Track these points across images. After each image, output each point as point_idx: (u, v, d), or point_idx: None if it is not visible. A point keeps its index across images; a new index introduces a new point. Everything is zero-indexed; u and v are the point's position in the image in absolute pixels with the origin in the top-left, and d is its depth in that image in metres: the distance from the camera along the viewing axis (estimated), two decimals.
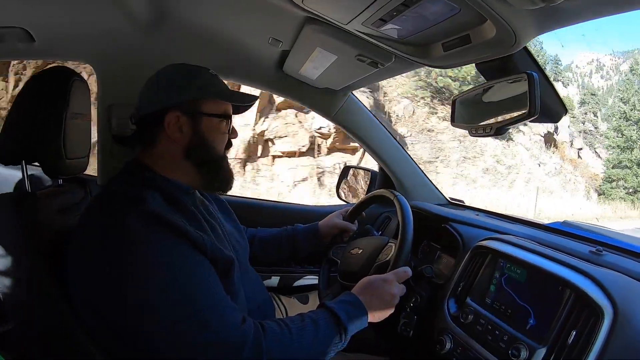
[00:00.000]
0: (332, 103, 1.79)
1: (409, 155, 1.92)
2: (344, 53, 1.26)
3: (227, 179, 1.08)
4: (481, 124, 1.07)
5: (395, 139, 1.90)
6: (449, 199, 1.95)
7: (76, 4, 1.21)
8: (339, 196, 2.14)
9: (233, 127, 1.10)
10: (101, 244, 0.83)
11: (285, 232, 1.50)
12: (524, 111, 0.93)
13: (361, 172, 2.13)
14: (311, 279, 1.86)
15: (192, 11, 1.32)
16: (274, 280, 1.80)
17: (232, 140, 1.10)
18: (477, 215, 1.59)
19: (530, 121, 0.97)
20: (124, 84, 1.53)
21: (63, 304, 0.91)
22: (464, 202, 1.95)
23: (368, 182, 2.04)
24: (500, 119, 1.02)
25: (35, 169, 1.12)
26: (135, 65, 1.48)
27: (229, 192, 1.12)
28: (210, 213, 1.11)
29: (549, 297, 0.97)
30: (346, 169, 2.17)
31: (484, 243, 1.21)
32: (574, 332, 0.87)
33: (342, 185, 2.14)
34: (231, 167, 1.10)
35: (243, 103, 1.08)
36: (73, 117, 1.10)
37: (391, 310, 1.08)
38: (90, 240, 0.85)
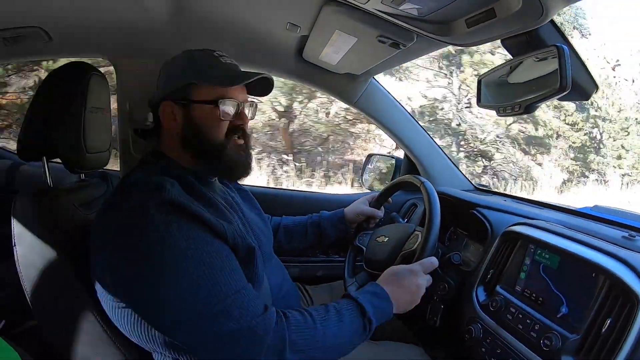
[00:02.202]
0: (353, 89, 1.76)
1: (434, 141, 1.87)
2: (364, 35, 1.22)
3: (230, 167, 1.03)
4: (509, 102, 1.03)
5: (420, 124, 1.86)
6: (475, 185, 1.90)
7: (91, 0, 1.21)
8: (363, 184, 2.12)
9: (242, 111, 1.04)
10: (122, 233, 0.83)
11: (311, 219, 1.49)
12: (554, 87, 0.88)
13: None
14: (336, 269, 1.85)
15: (207, 2, 1.31)
16: (299, 270, 1.80)
17: (241, 126, 1.04)
18: (505, 200, 1.54)
19: (559, 98, 0.92)
20: (142, 77, 1.54)
21: (86, 298, 0.92)
22: (490, 188, 1.89)
23: (393, 170, 2.00)
24: (528, 96, 0.97)
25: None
26: (153, 59, 1.48)
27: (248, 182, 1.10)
28: (231, 202, 1.10)
29: (582, 284, 0.93)
30: (369, 157, 2.14)
31: (514, 228, 1.17)
32: (609, 321, 0.84)
33: (366, 173, 2.11)
34: (242, 154, 1.05)
35: (234, 84, 1.00)
36: (92, 111, 1.11)
37: (417, 302, 1.06)
38: (112, 230, 0.85)
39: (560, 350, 0.89)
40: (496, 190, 1.84)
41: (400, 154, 2.01)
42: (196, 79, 0.99)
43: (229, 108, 1.00)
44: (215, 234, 0.87)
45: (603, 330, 0.84)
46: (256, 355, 0.81)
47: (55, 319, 0.94)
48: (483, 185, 1.92)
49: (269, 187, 2.00)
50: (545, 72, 0.93)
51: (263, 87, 1.09)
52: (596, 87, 1.02)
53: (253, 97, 1.12)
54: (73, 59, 1.23)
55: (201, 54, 1.03)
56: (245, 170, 1.07)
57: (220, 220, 0.90)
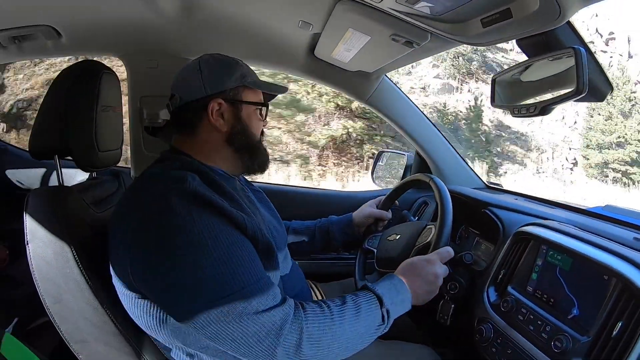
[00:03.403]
0: (365, 86, 1.75)
1: (446, 139, 1.86)
2: (378, 33, 1.22)
3: (264, 161, 1.15)
4: (523, 103, 1.02)
5: (432, 122, 1.85)
6: (486, 183, 1.89)
7: None
8: (374, 182, 2.12)
9: (266, 116, 1.16)
10: (143, 223, 0.85)
11: (319, 223, 1.50)
12: (571, 89, 0.87)
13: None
14: (347, 266, 1.85)
15: (218, 0, 1.32)
16: (310, 267, 1.80)
17: (265, 127, 1.17)
18: (517, 199, 1.53)
19: (575, 100, 0.91)
20: (153, 75, 1.56)
21: (98, 294, 0.94)
22: (502, 186, 1.88)
23: (404, 167, 2.00)
24: (544, 97, 0.96)
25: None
26: (164, 56, 1.50)
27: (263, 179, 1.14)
28: (250, 200, 1.12)
29: (594, 286, 0.92)
30: (380, 153, 2.14)
31: (526, 229, 1.16)
32: (620, 324, 0.83)
33: (377, 170, 2.11)
34: (267, 151, 1.17)
35: (278, 92, 1.18)
36: (103, 109, 1.12)
37: (435, 292, 1.06)
38: (132, 221, 0.87)
39: (571, 352, 0.88)
40: (507, 189, 1.82)
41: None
42: (248, 82, 1.08)
43: (265, 111, 1.14)
44: (235, 226, 0.89)
45: (614, 333, 0.83)
46: (273, 345, 0.82)
47: (67, 315, 0.95)
48: (494, 184, 1.91)
49: (281, 185, 2.02)
50: (560, 69, 0.92)
51: (272, 96, 1.24)
52: (611, 87, 1.00)
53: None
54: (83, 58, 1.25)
55: (235, 59, 1.12)
56: (268, 164, 1.18)
57: (240, 213, 0.92)
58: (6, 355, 0.97)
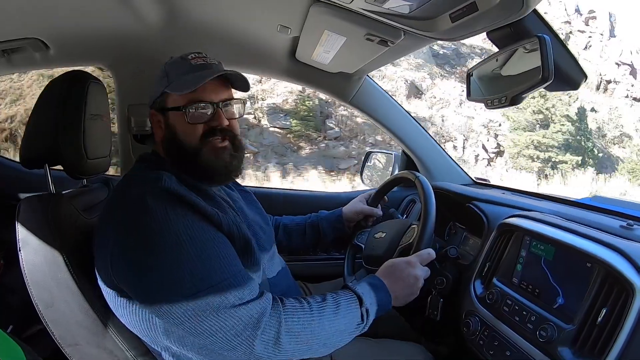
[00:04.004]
0: (347, 87, 1.77)
1: (431, 136, 1.88)
2: (353, 33, 1.24)
3: (205, 172, 1.02)
4: (495, 95, 1.03)
5: (416, 120, 1.86)
6: (474, 179, 1.90)
7: (83, 10, 1.24)
8: (363, 182, 2.13)
9: (217, 112, 1.01)
10: (123, 223, 0.87)
11: (310, 219, 1.50)
12: (538, 77, 0.88)
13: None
14: (337, 266, 1.86)
15: (199, 7, 1.34)
16: (300, 268, 1.81)
17: (219, 127, 1.02)
18: (504, 193, 1.54)
19: (546, 88, 0.92)
20: (140, 83, 1.57)
21: (90, 299, 0.95)
22: (489, 182, 1.88)
23: (391, 166, 2.01)
24: (514, 87, 0.97)
25: None
26: (149, 65, 1.50)
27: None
28: (228, 199, 1.11)
29: (578, 274, 0.93)
30: (368, 154, 2.15)
31: (509, 221, 1.17)
32: (604, 311, 0.83)
33: (365, 170, 2.12)
34: (222, 156, 1.03)
35: (185, 90, 0.97)
36: (92, 118, 1.13)
37: (415, 294, 1.07)
38: (113, 222, 0.89)
39: (556, 340, 0.89)
40: (495, 184, 1.83)
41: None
42: (165, 87, 1.01)
43: (199, 111, 1.00)
44: (210, 222, 0.91)
45: (599, 320, 0.83)
46: (251, 337, 0.83)
47: (60, 319, 0.97)
48: (482, 179, 1.92)
49: (270, 188, 2.04)
50: (532, 60, 0.93)
51: (242, 82, 1.06)
52: (585, 76, 1.01)
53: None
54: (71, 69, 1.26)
55: (174, 61, 1.05)
56: (227, 173, 1.06)
57: (215, 210, 0.94)
58: None
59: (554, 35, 0.94)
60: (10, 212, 1.00)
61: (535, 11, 0.89)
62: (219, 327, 0.82)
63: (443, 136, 16.28)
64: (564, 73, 0.95)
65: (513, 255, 1.12)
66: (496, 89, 1.06)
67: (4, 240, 1.55)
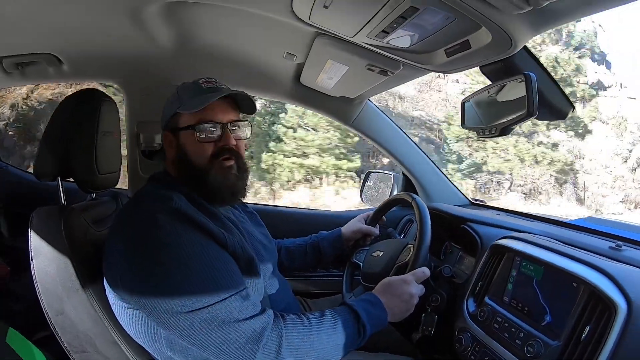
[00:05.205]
0: (349, 111, 1.83)
1: (430, 159, 1.93)
2: (355, 64, 1.31)
3: (214, 191, 1.07)
4: (487, 125, 1.09)
5: (414, 142, 1.93)
6: (470, 200, 1.95)
7: (98, 29, 1.29)
8: (362, 201, 2.18)
9: (226, 133, 1.07)
10: (133, 239, 0.92)
11: (310, 240, 1.55)
12: (524, 110, 0.95)
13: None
14: (336, 283, 1.90)
15: (211, 33, 1.40)
16: (301, 284, 1.86)
17: (227, 147, 1.07)
18: (498, 214, 1.59)
19: (536, 118, 0.98)
20: (150, 101, 1.63)
21: (98, 308, 1.00)
22: (485, 203, 1.94)
23: (391, 187, 2.06)
24: (503, 119, 1.04)
25: None
26: (160, 84, 1.57)
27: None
28: (234, 219, 1.15)
29: (564, 293, 0.97)
30: (368, 174, 2.20)
31: (501, 242, 1.22)
32: (588, 328, 0.88)
33: (365, 190, 2.17)
34: (229, 176, 1.09)
35: (196, 108, 1.03)
36: (103, 135, 1.19)
37: (410, 310, 1.12)
38: (123, 237, 0.94)
39: (543, 356, 0.93)
40: (491, 205, 1.88)
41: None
42: (177, 108, 1.08)
43: (208, 131, 1.06)
44: (216, 241, 0.96)
45: (583, 337, 0.88)
46: (253, 351, 0.88)
47: (68, 326, 1.01)
48: (478, 200, 1.97)
49: (271, 205, 2.09)
50: (517, 95, 0.99)
51: (249, 104, 1.12)
52: (572, 106, 1.08)
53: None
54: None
55: (186, 85, 1.11)
56: (234, 193, 1.12)
57: (221, 230, 0.99)
58: (12, 346, 1.02)
59: (543, 69, 1.01)
60: (22, 220, 1.05)
61: (525, 47, 0.97)
62: (223, 340, 0.87)
63: None
64: (551, 105, 1.02)
65: (504, 274, 1.16)
66: (487, 120, 1.13)
67: (14, 247, 1.61)
